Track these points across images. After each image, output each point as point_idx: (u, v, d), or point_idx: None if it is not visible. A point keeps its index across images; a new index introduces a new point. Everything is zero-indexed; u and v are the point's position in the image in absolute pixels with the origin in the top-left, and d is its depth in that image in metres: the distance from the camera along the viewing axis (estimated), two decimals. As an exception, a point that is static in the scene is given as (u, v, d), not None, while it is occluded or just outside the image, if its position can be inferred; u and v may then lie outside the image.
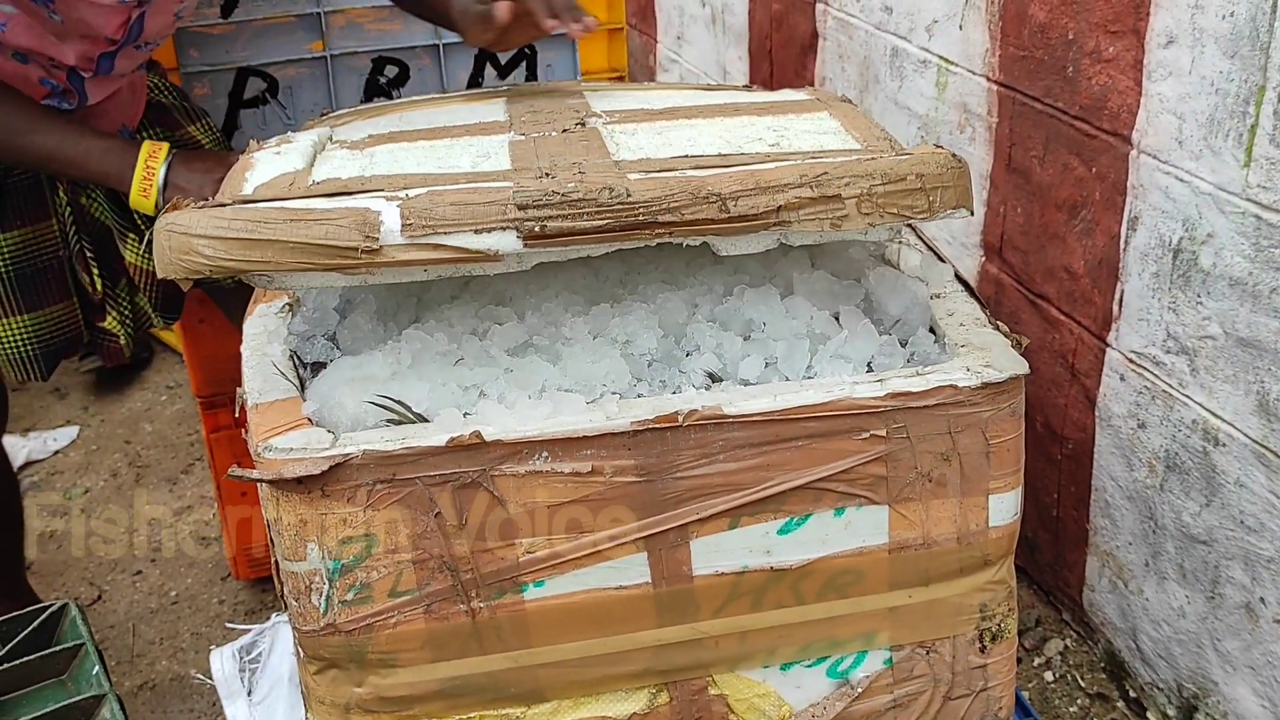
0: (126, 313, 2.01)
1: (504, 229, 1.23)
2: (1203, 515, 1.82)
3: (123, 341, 2.03)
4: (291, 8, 2.17)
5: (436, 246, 1.23)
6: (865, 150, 1.36)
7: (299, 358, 1.43)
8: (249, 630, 1.90)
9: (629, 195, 1.24)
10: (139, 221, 1.93)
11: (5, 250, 1.89)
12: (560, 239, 1.24)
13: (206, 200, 1.32)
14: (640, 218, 1.24)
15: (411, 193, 1.25)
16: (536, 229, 1.23)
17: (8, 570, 2.28)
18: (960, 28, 2.23)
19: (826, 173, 1.27)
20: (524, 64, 2.33)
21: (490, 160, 1.38)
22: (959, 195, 1.32)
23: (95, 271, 1.95)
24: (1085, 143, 1.95)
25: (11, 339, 1.94)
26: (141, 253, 1.95)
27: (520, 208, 1.23)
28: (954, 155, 1.33)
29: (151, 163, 1.71)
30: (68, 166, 1.75)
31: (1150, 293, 1.85)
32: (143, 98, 2.00)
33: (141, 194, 1.71)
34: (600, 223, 1.24)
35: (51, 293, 1.95)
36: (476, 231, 1.23)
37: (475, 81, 2.31)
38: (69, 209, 1.91)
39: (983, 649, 1.42)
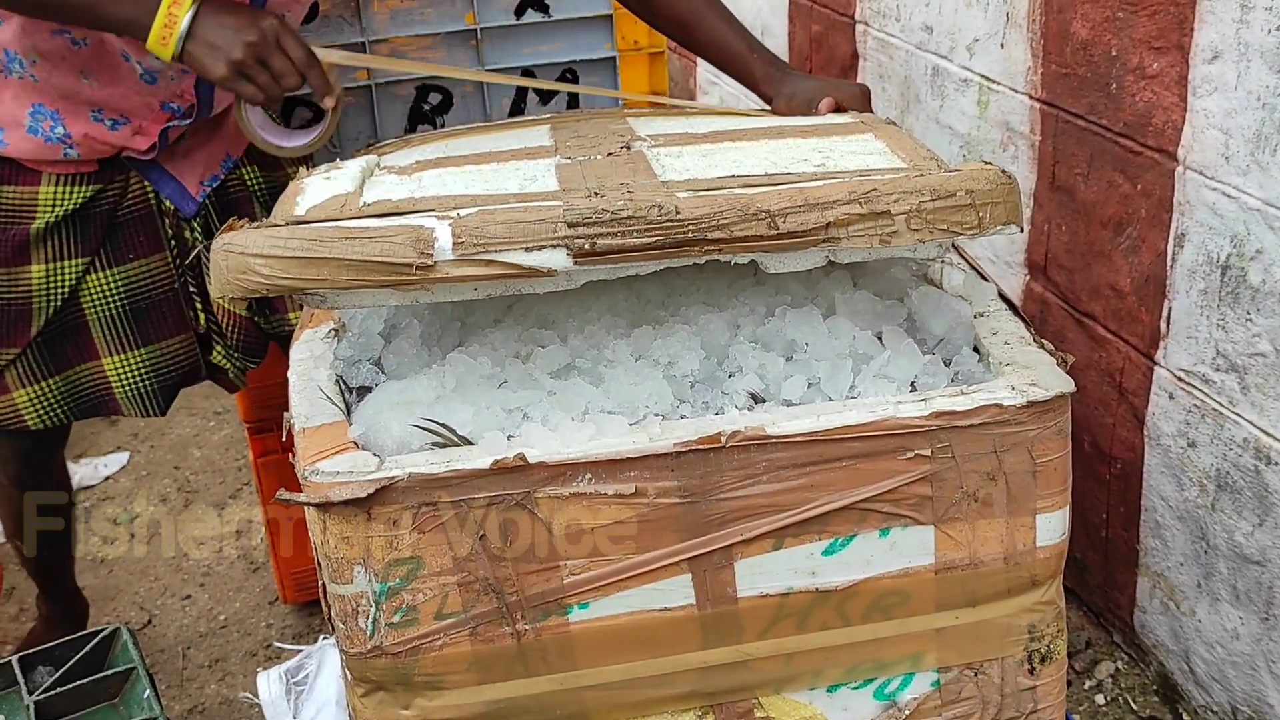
0: (233, 347, 2.01)
1: (554, 246, 1.24)
2: (1256, 535, 1.80)
3: (231, 375, 2.04)
4: (336, 38, 2.19)
5: (489, 263, 1.24)
6: (912, 168, 1.36)
7: (345, 382, 1.45)
8: (297, 652, 1.92)
9: (678, 212, 1.24)
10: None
11: (120, 285, 1.89)
12: (610, 256, 1.25)
13: (231, 59, 1.53)
14: (689, 234, 1.25)
15: (463, 212, 1.26)
16: (586, 246, 1.24)
17: (60, 574, 2.30)
18: (1001, 46, 2.22)
19: (875, 189, 1.27)
20: (566, 89, 2.34)
21: (538, 183, 1.39)
22: (1009, 211, 1.31)
23: (198, 305, 1.95)
24: (1130, 160, 1.94)
25: (130, 374, 1.94)
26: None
27: (570, 225, 1.23)
28: (1003, 171, 1.32)
29: (175, 9, 1.57)
30: (82, 13, 1.64)
31: (1199, 310, 1.83)
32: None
33: (160, 41, 1.59)
34: (649, 240, 1.24)
35: (167, 326, 1.95)
36: (527, 249, 1.24)
37: (518, 107, 2.33)
38: (173, 243, 1.92)
39: (1032, 671, 1.40)
